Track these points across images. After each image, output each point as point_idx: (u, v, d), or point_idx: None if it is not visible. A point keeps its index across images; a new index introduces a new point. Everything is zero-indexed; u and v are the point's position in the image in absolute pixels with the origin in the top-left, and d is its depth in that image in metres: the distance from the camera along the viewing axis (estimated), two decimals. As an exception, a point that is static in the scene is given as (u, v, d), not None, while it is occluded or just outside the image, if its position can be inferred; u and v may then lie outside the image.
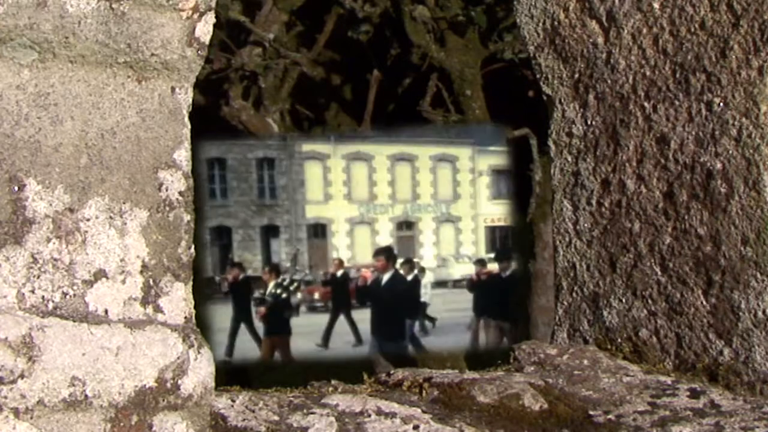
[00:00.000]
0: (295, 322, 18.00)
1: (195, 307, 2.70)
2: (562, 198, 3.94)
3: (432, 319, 19.11)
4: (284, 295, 15.36)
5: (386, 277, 13.86)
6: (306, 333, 17.11)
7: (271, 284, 15.49)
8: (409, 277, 15.19)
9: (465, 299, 16.94)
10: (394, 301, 13.74)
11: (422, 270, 21.29)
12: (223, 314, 16.06)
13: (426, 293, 19.08)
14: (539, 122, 6.50)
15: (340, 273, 19.57)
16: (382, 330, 13.25)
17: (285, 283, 15.82)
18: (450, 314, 19.42)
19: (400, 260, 16.09)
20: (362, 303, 16.58)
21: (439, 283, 29.61)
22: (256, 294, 16.01)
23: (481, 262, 18.66)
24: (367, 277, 15.62)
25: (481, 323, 14.86)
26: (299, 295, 23.88)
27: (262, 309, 15.19)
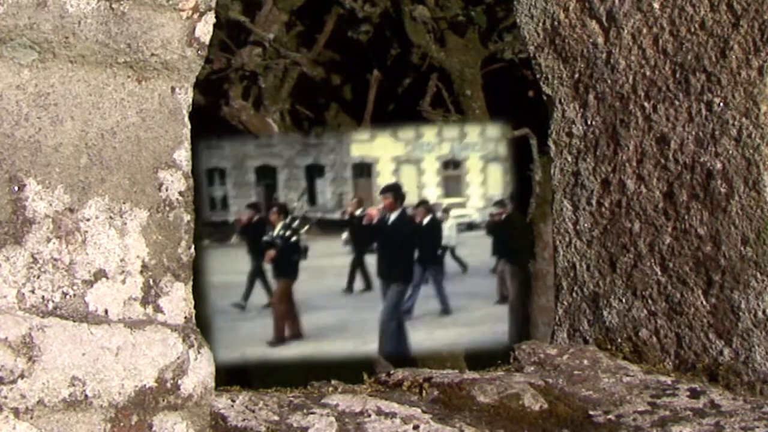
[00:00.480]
0: (337, 262, 17.48)
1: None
2: (562, 198, 3.94)
3: (463, 264, 18.36)
4: (293, 238, 14.57)
5: (393, 216, 13.02)
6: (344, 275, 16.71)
7: (279, 226, 14.58)
8: (425, 221, 14.47)
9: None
10: (402, 242, 13.04)
11: (446, 211, 20.44)
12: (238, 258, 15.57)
13: (450, 236, 18.29)
14: (539, 122, 6.50)
15: (358, 212, 18.35)
16: (387, 272, 12.71)
17: (294, 225, 14.90)
18: (485, 258, 18.58)
19: (414, 202, 15.32)
20: (368, 243, 15.64)
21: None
22: (266, 237, 15.07)
23: (501, 203, 17.43)
24: (373, 216, 14.58)
25: (506, 269, 14.36)
26: (343, 236, 22.84)
27: (272, 252, 14.42)
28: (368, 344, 12.38)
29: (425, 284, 14.10)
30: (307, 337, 13.54)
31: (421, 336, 13.04)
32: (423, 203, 15.64)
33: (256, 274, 15.21)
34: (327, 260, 17.94)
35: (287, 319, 13.63)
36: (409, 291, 13.02)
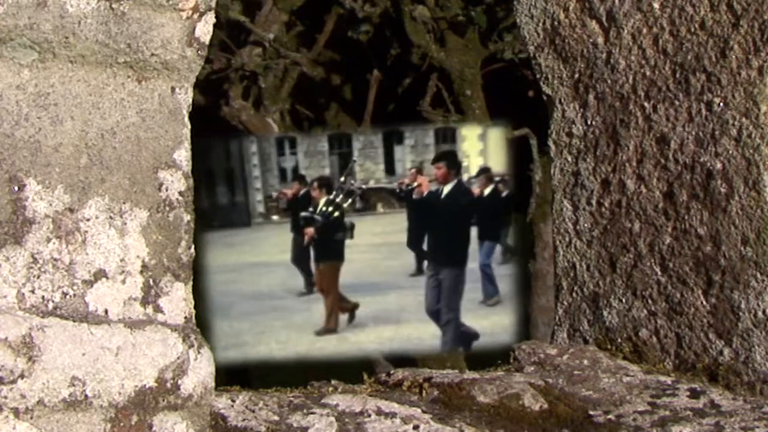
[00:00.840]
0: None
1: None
2: (562, 198, 3.94)
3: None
4: (336, 214, 12.98)
5: (447, 189, 11.33)
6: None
7: (322, 201, 12.94)
8: (486, 191, 12.60)
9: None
10: (456, 219, 11.37)
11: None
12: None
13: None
14: (539, 122, 6.50)
15: (415, 185, 16.54)
16: (439, 254, 11.20)
17: (338, 200, 13.32)
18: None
19: (474, 170, 13.38)
20: (420, 220, 13.41)
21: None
22: (304, 213, 13.35)
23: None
24: (423, 189, 12.63)
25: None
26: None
27: (311, 230, 12.79)
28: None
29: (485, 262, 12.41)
30: (381, 319, 12.22)
31: (504, 320, 11.68)
32: (483, 171, 13.36)
33: (300, 254, 13.50)
34: (401, 235, 16.31)
35: (338, 308, 12.18)
36: (465, 274, 11.29)
